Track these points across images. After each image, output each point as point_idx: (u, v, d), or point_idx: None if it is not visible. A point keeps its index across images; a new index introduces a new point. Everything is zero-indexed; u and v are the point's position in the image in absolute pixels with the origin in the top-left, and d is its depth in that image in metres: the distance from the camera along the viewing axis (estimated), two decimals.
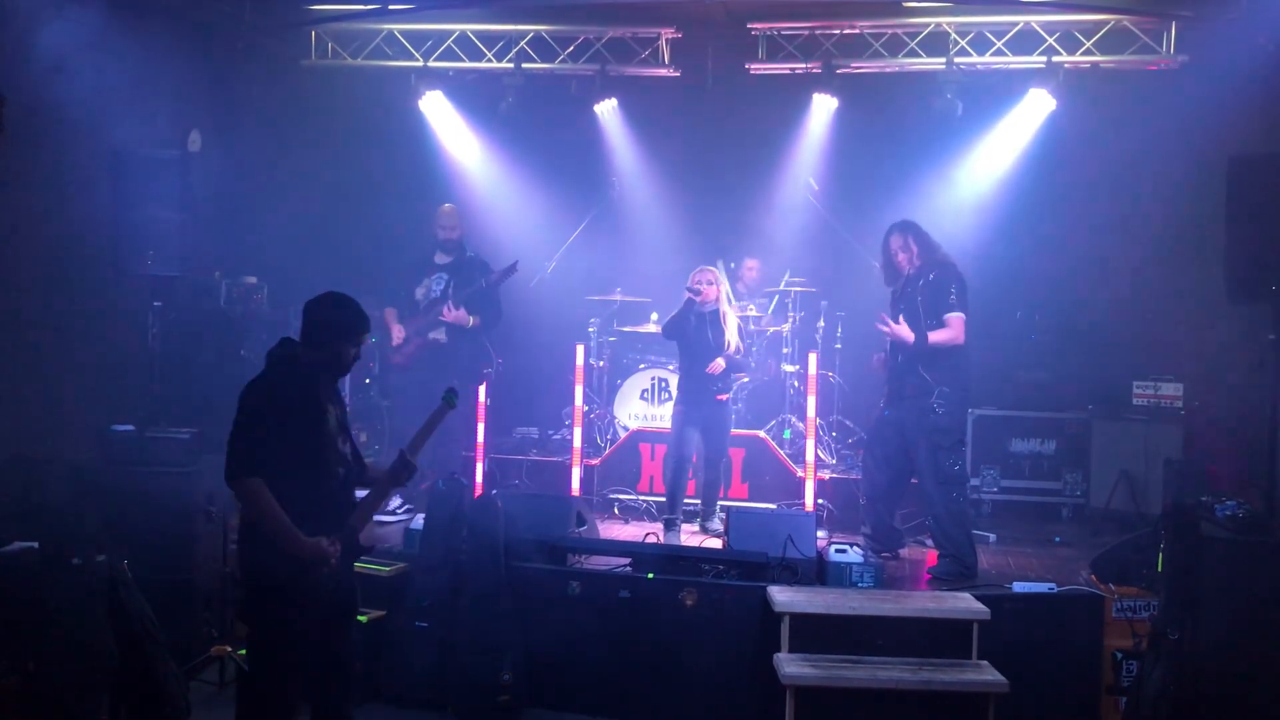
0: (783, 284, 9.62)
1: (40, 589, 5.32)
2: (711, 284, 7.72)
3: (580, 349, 8.70)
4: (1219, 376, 8.36)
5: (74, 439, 7.07)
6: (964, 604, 6.05)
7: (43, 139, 7.04)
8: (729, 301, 7.90)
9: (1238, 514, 5.66)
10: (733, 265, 9.62)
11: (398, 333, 8.33)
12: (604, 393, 9.62)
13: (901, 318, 6.92)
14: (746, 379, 9.03)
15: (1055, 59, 8.89)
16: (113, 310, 7.66)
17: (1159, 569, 6.06)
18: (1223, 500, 5.86)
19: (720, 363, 7.69)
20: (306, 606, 4.41)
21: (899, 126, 9.64)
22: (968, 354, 7.00)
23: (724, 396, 7.88)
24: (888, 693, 5.65)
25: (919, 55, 9.18)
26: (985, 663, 5.80)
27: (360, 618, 5.86)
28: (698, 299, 7.64)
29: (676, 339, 7.87)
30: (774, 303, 9.77)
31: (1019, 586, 6.37)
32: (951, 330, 6.82)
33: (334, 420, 4.53)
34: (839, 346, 9.63)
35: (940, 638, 5.91)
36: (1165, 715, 5.43)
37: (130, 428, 6.98)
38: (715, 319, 7.75)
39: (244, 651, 6.53)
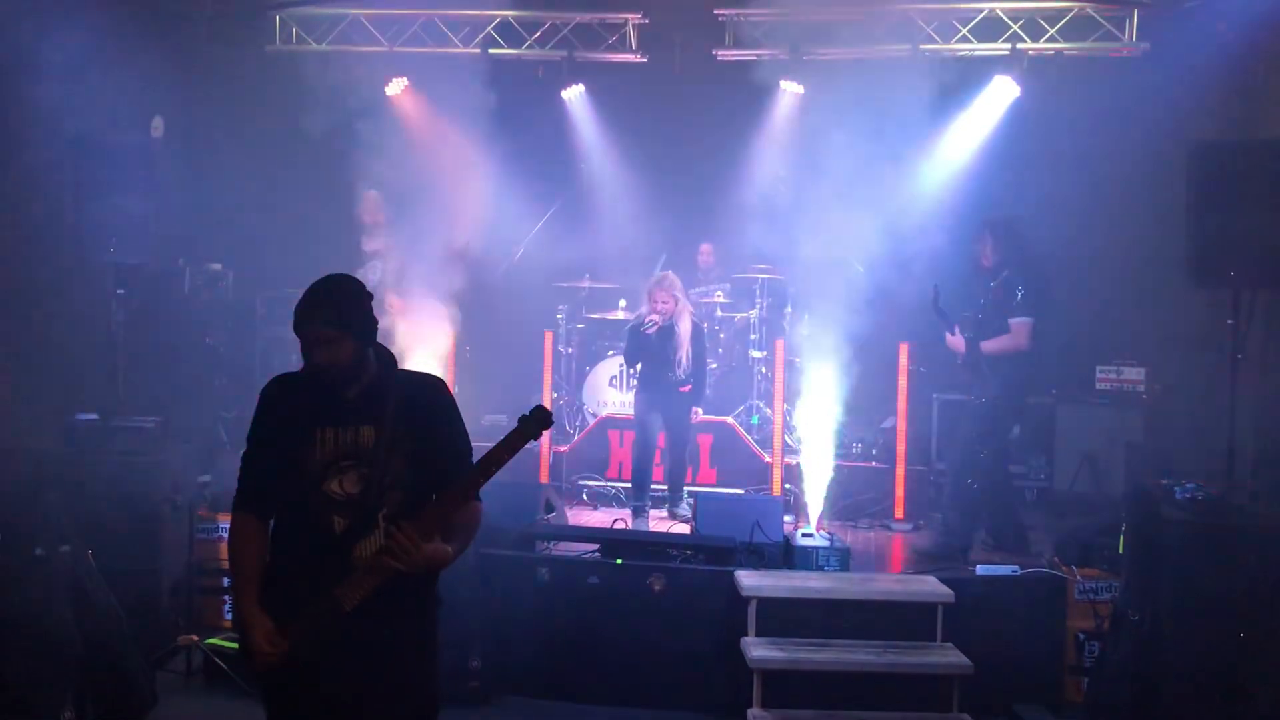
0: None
1: (3, 580, 5.27)
2: (667, 301, 7.70)
3: (549, 336, 8.70)
4: (1180, 360, 8.45)
5: (37, 428, 7.01)
6: (928, 587, 6.11)
7: (2, 127, 6.95)
8: (685, 315, 7.87)
9: (1197, 496, 5.73)
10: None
11: None
12: (572, 379, 9.62)
13: (958, 329, 7.11)
14: (714, 365, 9.07)
15: (1019, 46, 8.99)
16: (76, 298, 7.58)
17: (1120, 551, 6.15)
18: (1182, 483, 5.94)
19: (699, 411, 8.07)
20: (269, 692, 3.41)
21: (865, 114, 9.65)
22: (1035, 352, 7.04)
23: (686, 389, 7.89)
24: (854, 675, 5.70)
25: (885, 42, 9.21)
26: (950, 645, 5.87)
27: None
28: (650, 332, 7.64)
29: (641, 358, 7.86)
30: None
31: (983, 569, 6.45)
32: (1013, 337, 6.90)
33: (329, 448, 3.33)
34: (806, 333, 9.66)
35: (905, 620, 5.97)
36: (1126, 695, 5.52)
37: (94, 416, 6.92)
38: (673, 333, 7.74)
39: (212, 641, 6.55)
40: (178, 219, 8.14)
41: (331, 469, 3.31)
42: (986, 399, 7.00)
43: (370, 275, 8.13)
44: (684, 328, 7.73)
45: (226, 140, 9.11)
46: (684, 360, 7.71)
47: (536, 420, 3.22)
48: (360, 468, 3.31)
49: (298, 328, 3.32)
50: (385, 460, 3.31)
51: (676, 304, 7.73)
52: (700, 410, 8.08)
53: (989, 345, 6.95)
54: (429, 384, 3.52)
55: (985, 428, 7.08)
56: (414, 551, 3.19)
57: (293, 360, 10.13)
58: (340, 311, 3.31)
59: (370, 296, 3.43)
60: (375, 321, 3.40)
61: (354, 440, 3.32)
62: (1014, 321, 6.91)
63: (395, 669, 3.34)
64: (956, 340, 7.09)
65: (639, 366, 7.98)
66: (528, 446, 3.30)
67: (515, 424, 3.19)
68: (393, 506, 3.31)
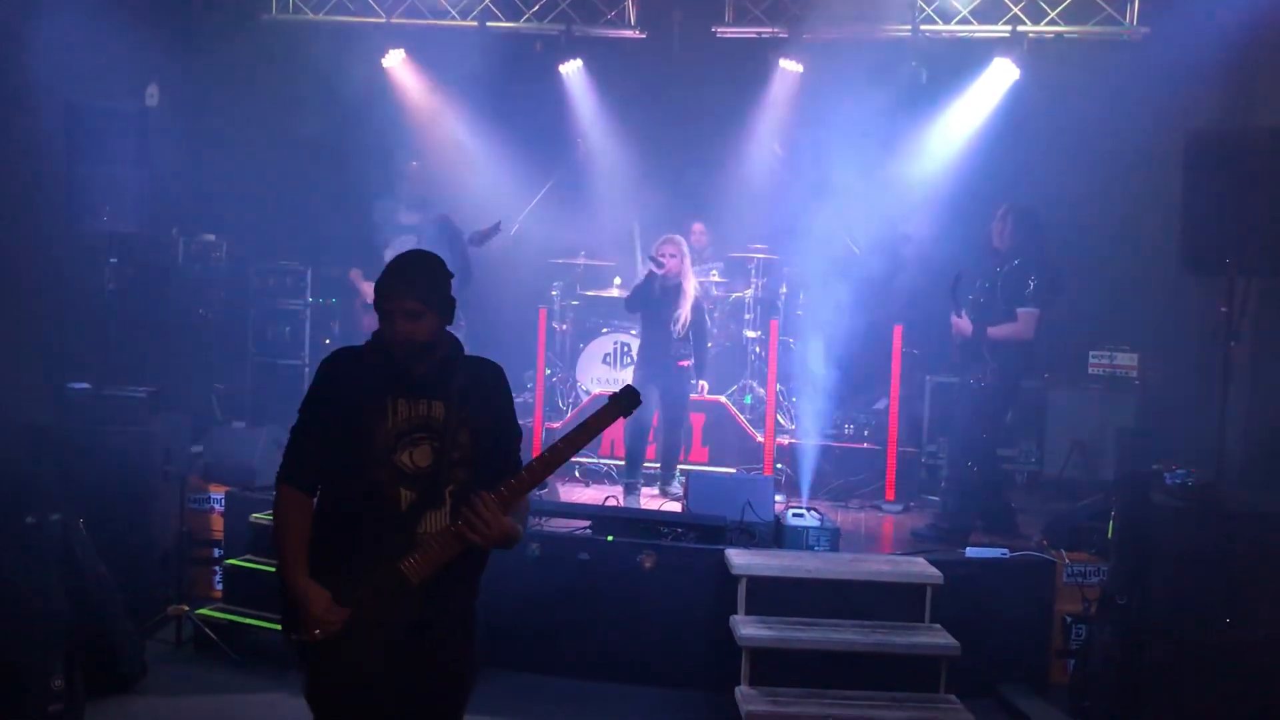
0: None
1: None
2: (675, 256, 7.69)
3: (543, 313, 8.68)
4: (1173, 347, 8.46)
5: (29, 397, 6.99)
6: (917, 568, 6.13)
7: None
8: (690, 275, 7.86)
9: (1186, 482, 5.75)
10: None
11: (369, 290, 8.24)
12: (566, 356, 9.62)
13: (965, 313, 7.03)
14: (710, 344, 9.06)
15: (1020, 28, 8.95)
16: (68, 267, 7.55)
17: (1109, 535, 6.18)
18: (1173, 469, 5.96)
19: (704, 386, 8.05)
20: (315, 666, 3.34)
21: (864, 94, 9.63)
22: (1035, 343, 7.05)
23: (685, 363, 7.89)
24: (842, 654, 5.72)
25: (885, 22, 9.18)
26: (938, 626, 5.89)
27: None
28: (660, 271, 7.63)
29: (640, 310, 7.85)
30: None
31: (972, 551, 6.46)
32: (1020, 325, 6.87)
33: (401, 419, 3.30)
34: (801, 313, 9.67)
35: (894, 601, 5.99)
36: (1111, 678, 5.56)
37: (86, 386, 6.92)
38: (678, 293, 7.73)
39: (202, 611, 6.56)
40: (172, 188, 8.11)
41: (403, 440, 3.29)
42: (985, 383, 6.99)
43: (402, 249, 8.05)
44: (689, 287, 7.73)
45: (221, 109, 9.06)
46: (682, 318, 7.68)
47: (627, 398, 3.37)
48: (432, 441, 3.30)
49: (383, 298, 3.31)
50: (454, 435, 3.31)
51: (683, 262, 7.72)
52: (706, 385, 8.05)
53: (996, 331, 6.90)
54: (491, 369, 3.53)
55: (983, 411, 7.08)
56: (494, 524, 3.18)
57: (285, 332, 10.13)
58: (429, 286, 3.33)
59: (452, 277, 3.44)
60: (454, 303, 3.41)
61: (426, 413, 3.32)
62: (1022, 311, 6.86)
63: (441, 647, 3.34)
64: (963, 323, 7.04)
65: (638, 343, 7.97)
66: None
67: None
68: (458, 483, 3.30)
